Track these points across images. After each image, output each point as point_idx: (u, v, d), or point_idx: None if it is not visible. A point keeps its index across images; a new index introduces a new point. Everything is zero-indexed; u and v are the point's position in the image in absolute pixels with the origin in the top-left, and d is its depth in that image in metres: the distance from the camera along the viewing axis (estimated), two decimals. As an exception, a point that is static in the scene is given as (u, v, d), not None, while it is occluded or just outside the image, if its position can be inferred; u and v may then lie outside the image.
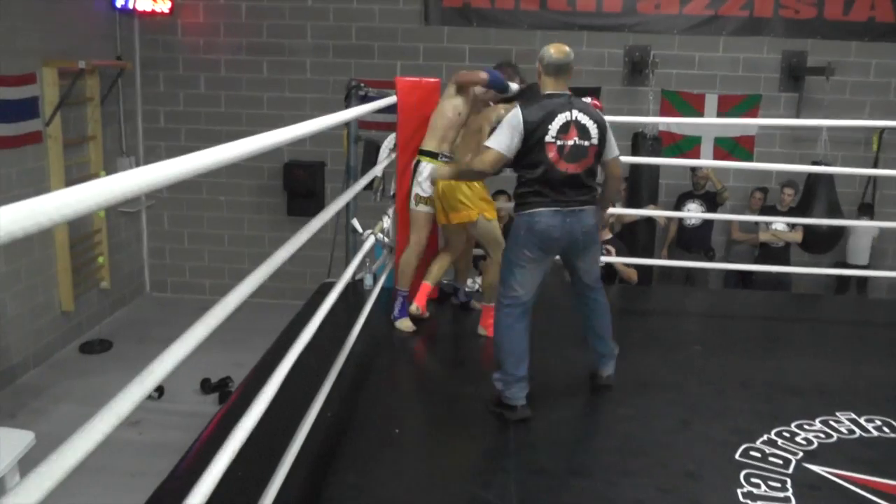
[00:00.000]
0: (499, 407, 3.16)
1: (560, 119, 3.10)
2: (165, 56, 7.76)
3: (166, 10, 7.55)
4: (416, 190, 4.05)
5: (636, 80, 7.34)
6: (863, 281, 7.37)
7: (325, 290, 2.97)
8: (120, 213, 7.55)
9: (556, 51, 3.19)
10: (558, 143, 3.09)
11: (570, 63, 3.22)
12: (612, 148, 3.32)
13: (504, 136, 3.12)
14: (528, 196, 3.14)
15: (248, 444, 1.82)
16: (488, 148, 3.16)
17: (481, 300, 4.21)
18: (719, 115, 7.50)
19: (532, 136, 3.09)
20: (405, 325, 4.12)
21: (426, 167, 4.00)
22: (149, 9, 7.43)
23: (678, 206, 7.10)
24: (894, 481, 2.79)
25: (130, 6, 7.27)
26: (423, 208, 4.05)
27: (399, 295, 4.13)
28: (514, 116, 3.12)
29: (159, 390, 5.52)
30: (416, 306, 4.10)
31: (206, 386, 5.92)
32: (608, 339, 3.42)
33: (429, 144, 4.02)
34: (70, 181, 6.39)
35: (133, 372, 1.36)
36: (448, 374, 3.87)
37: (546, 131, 3.09)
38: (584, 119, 3.15)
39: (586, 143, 3.14)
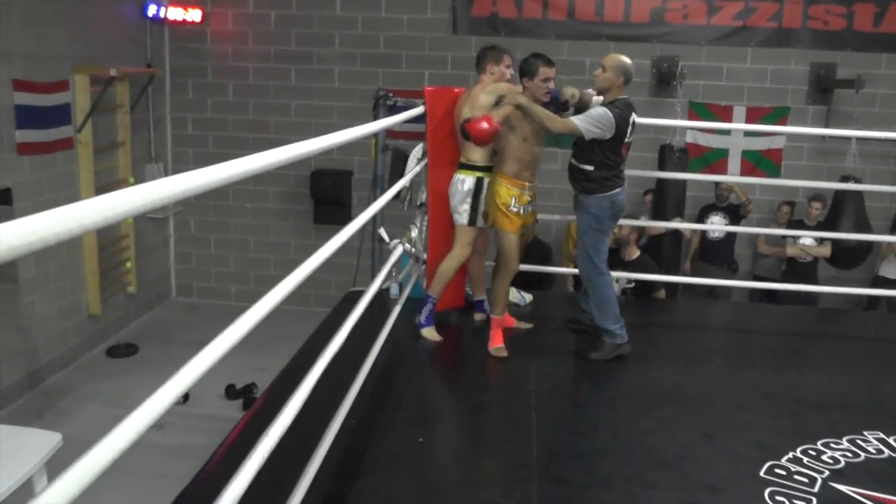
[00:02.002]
0: (614, 352, 3.92)
1: (630, 122, 3.81)
2: (195, 63, 7.86)
3: (197, 19, 7.66)
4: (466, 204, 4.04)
5: (664, 92, 7.32)
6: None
7: (351, 298, 3.00)
8: (148, 218, 7.64)
9: (629, 62, 3.85)
10: (627, 140, 3.83)
11: None
12: None
13: (590, 126, 3.71)
14: (611, 179, 3.85)
15: (273, 450, 1.84)
16: (572, 122, 3.71)
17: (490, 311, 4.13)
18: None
19: (618, 135, 3.76)
20: (431, 334, 4.13)
21: (468, 180, 4.01)
22: (179, 18, 7.55)
23: (701, 219, 7.05)
24: (922, 501, 2.76)
25: (161, 15, 7.39)
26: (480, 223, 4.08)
27: (429, 301, 4.13)
28: (605, 116, 3.71)
29: (185, 395, 5.55)
30: (496, 347, 3.98)
31: (231, 391, 5.96)
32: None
33: (475, 156, 4.00)
34: (99, 187, 6.49)
35: (158, 375, 1.38)
36: (471, 383, 3.87)
37: (626, 133, 3.80)
38: (634, 117, 3.85)
39: (632, 138, 3.90)
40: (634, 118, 3.84)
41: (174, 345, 6.74)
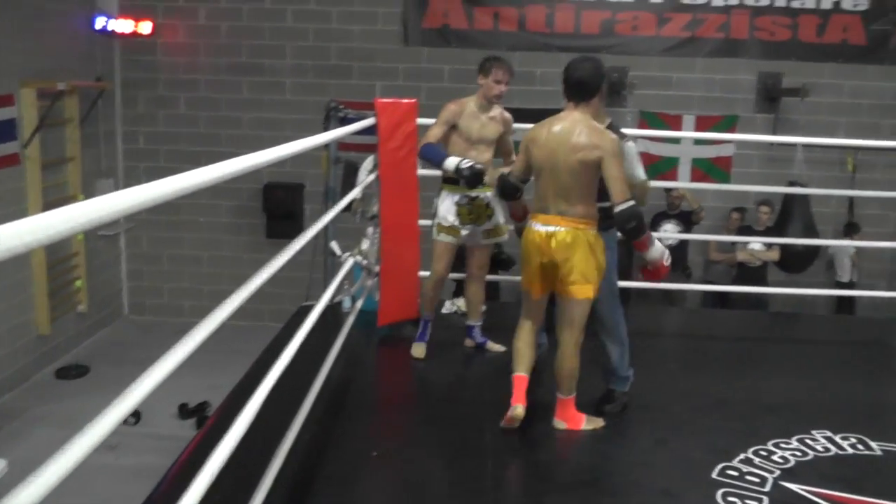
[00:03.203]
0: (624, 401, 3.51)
1: None
2: (145, 76, 7.76)
3: (147, 32, 7.56)
4: (438, 219, 4.01)
5: (614, 101, 7.42)
6: (851, 299, 7.43)
7: (303, 312, 2.98)
8: (99, 235, 7.49)
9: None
10: None
11: None
12: None
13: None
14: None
15: (225, 468, 1.81)
16: (644, 179, 3.59)
17: (519, 370, 3.31)
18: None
19: None
20: (419, 350, 4.07)
21: (447, 196, 3.99)
22: (129, 30, 7.43)
23: (654, 226, 7.16)
24: (869, 498, 2.83)
25: (110, 28, 7.27)
26: (444, 238, 4.00)
27: (424, 319, 4.11)
28: (633, 148, 3.61)
29: (136, 415, 5.46)
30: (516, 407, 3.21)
31: (184, 410, 5.86)
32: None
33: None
34: (48, 203, 6.35)
35: (110, 396, 1.35)
36: (426, 395, 3.87)
37: None
38: None
39: None
40: None
41: (127, 364, 6.53)
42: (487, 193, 4.00)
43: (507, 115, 4.10)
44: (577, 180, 3.10)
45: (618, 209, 3.06)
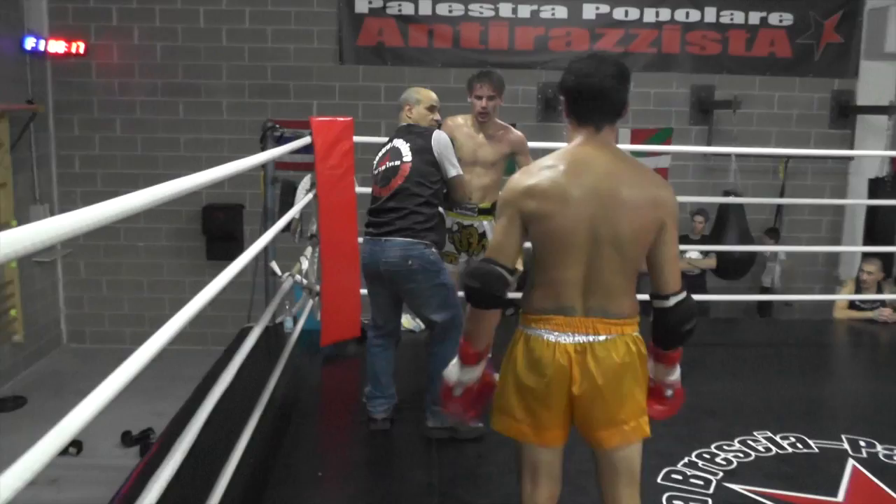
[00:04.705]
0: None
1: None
2: (79, 99, 7.58)
3: (79, 52, 7.39)
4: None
5: (550, 117, 7.54)
6: (770, 304, 7.66)
7: (244, 334, 2.94)
8: (34, 262, 7.27)
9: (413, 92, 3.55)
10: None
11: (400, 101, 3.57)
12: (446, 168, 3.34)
13: None
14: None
15: (168, 495, 1.77)
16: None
17: None
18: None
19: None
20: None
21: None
22: (61, 50, 7.26)
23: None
24: (809, 494, 2.92)
25: (41, 48, 7.10)
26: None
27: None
28: None
29: (77, 446, 5.30)
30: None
31: (127, 439, 5.72)
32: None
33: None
34: (-22, 230, 6.14)
35: (49, 428, 1.31)
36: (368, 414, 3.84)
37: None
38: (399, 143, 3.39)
39: (397, 162, 3.31)
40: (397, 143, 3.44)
41: (67, 394, 6.36)
42: (484, 223, 3.82)
43: (516, 134, 3.88)
44: (628, 259, 2.02)
45: (672, 301, 2.07)
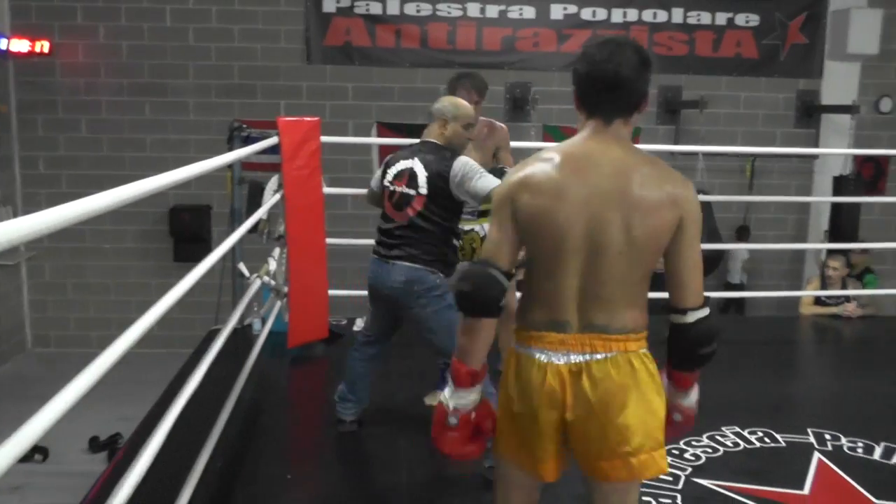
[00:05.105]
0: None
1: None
2: (44, 98, 7.45)
3: (43, 51, 7.26)
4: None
5: (518, 116, 7.56)
6: (741, 300, 7.79)
7: (212, 337, 2.91)
8: (-4, 265, 7.14)
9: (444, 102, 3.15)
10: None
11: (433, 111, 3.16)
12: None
13: None
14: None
15: (135, 501, 1.75)
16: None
17: None
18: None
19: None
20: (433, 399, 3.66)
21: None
22: (24, 49, 7.12)
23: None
24: (776, 488, 2.96)
25: (3, 48, 6.96)
26: None
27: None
28: None
29: (43, 452, 5.21)
30: None
31: (95, 444, 5.63)
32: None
33: None
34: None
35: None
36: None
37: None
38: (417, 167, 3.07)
39: (412, 191, 3.04)
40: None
41: (32, 400, 6.22)
42: (485, 226, 3.52)
43: (500, 128, 3.80)
44: (636, 266, 1.81)
45: (691, 318, 1.86)
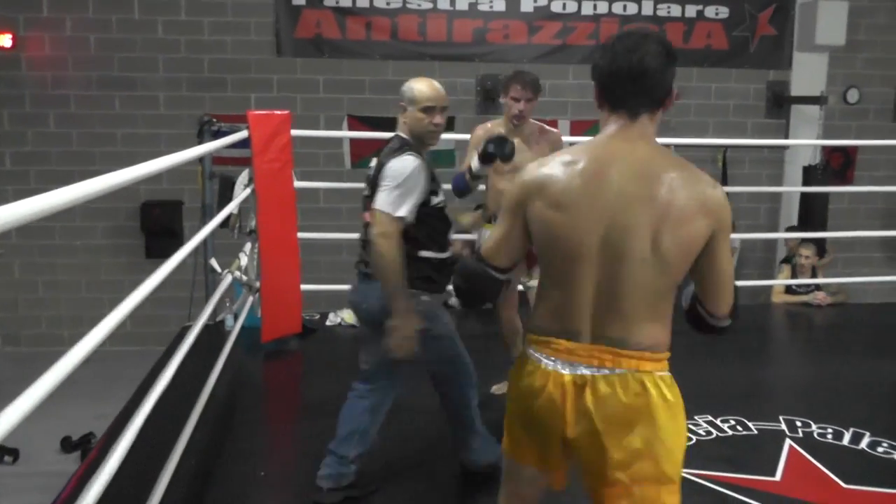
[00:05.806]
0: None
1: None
2: (10, 93, 7.31)
3: (8, 45, 7.13)
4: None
5: (490, 109, 7.54)
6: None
7: (185, 333, 2.88)
8: (-37, 263, 7.02)
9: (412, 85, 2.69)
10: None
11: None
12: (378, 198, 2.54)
13: None
14: None
15: (106, 499, 1.73)
16: None
17: None
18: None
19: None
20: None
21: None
22: (-13, 44, 7.00)
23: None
24: (749, 475, 3.01)
25: (-34, 42, 6.84)
26: None
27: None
28: None
29: (13, 454, 5.13)
30: None
31: (67, 444, 5.54)
32: None
33: None
34: None
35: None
36: (313, 411, 3.80)
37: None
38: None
39: (366, 192, 2.68)
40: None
41: (2, 401, 6.21)
42: None
43: (555, 133, 3.56)
44: (661, 278, 1.67)
45: (717, 324, 1.87)
